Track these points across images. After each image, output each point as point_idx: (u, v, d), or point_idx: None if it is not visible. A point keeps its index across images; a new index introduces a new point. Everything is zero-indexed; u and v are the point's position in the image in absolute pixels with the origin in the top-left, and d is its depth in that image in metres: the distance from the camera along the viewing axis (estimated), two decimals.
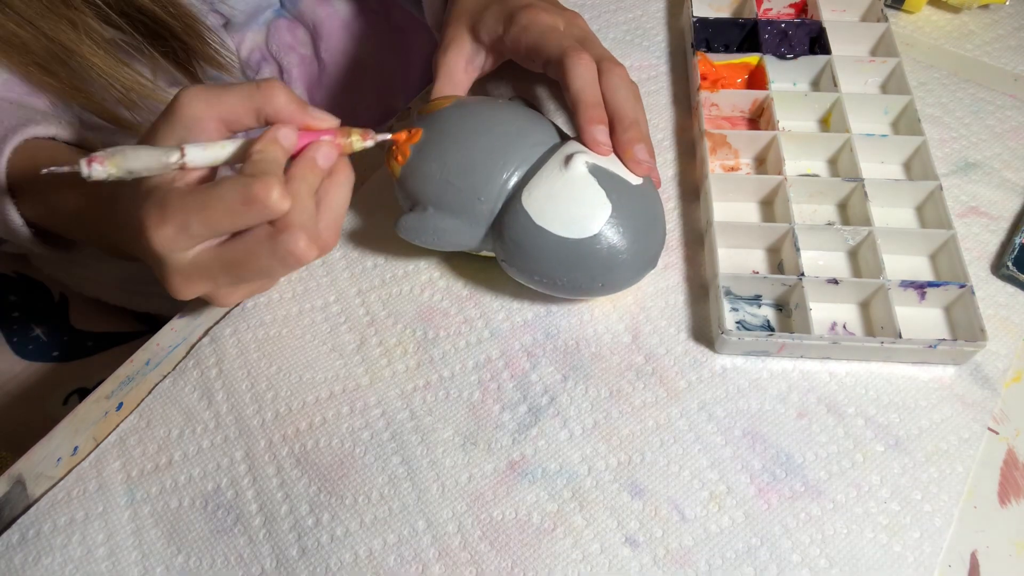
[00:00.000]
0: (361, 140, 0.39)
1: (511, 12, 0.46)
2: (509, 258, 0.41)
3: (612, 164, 0.41)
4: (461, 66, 0.48)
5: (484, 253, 0.44)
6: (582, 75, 0.42)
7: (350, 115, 0.67)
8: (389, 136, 0.41)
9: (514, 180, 0.41)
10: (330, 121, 0.38)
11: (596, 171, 0.40)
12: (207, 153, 0.35)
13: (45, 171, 0.33)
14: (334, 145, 0.37)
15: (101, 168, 0.32)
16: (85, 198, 0.43)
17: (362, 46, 0.68)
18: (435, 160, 0.41)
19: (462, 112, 0.43)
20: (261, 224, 0.35)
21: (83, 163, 0.32)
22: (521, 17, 0.45)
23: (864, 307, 0.44)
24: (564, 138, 0.43)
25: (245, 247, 0.35)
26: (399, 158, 0.42)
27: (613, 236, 0.39)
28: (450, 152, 0.41)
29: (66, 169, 0.32)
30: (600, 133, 0.41)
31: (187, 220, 0.34)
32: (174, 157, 0.34)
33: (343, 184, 0.38)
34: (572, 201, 0.39)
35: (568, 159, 0.40)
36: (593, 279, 0.40)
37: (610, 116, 0.42)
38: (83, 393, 0.61)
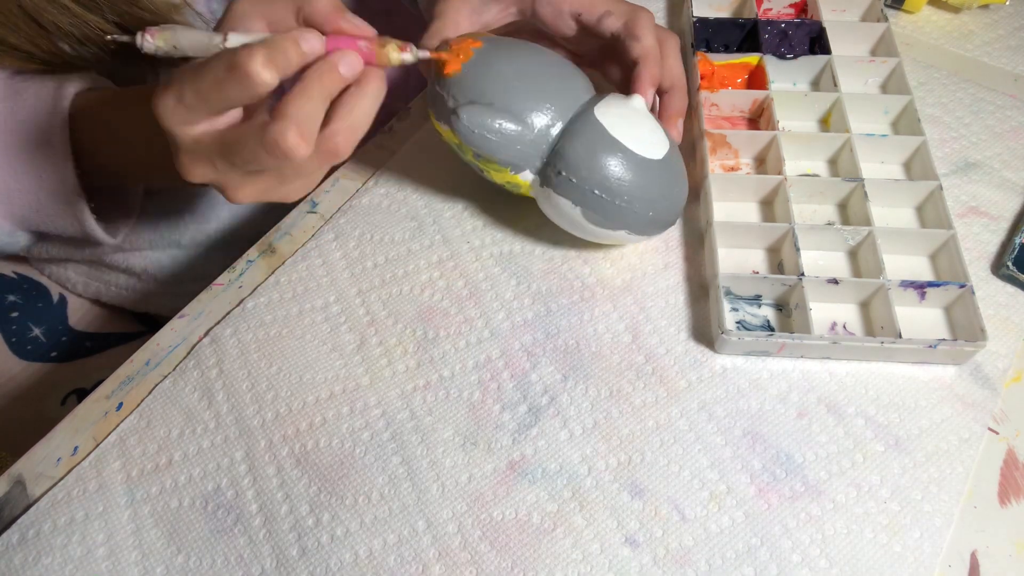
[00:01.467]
0: (398, 52, 0.38)
1: None
2: (573, 170, 0.41)
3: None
4: (466, 14, 0.46)
5: (521, 179, 0.43)
6: (652, 37, 0.45)
7: None
8: (428, 54, 0.40)
9: (576, 102, 0.42)
10: (365, 30, 0.38)
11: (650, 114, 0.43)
12: (247, 40, 0.36)
13: (109, 37, 0.36)
14: (361, 54, 0.37)
15: (151, 40, 0.35)
16: (140, 115, 0.43)
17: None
18: (507, 64, 0.41)
19: (518, 42, 0.43)
20: (261, 112, 0.36)
21: (139, 35, 0.35)
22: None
23: (864, 307, 0.44)
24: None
25: (239, 131, 0.36)
26: (460, 55, 0.41)
27: (673, 165, 0.43)
28: (521, 61, 0.42)
29: (126, 38, 0.35)
30: (652, 93, 0.45)
31: (182, 89, 0.34)
32: (216, 40, 0.36)
33: (368, 96, 0.37)
34: (642, 126, 0.42)
35: (627, 96, 0.43)
36: (649, 204, 0.42)
37: (666, 83, 0.46)
38: (81, 394, 0.61)
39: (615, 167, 0.41)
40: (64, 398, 0.61)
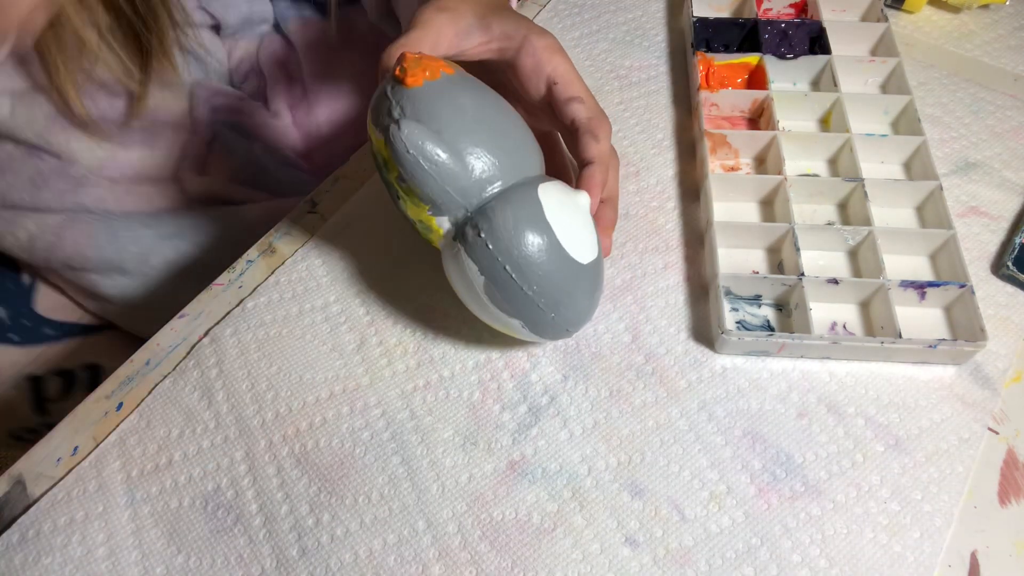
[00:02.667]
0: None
1: (532, 26, 0.44)
2: (493, 236, 0.37)
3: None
4: (450, 33, 0.42)
5: (436, 223, 0.39)
6: (608, 143, 0.42)
7: (330, 141, 0.67)
8: (395, 54, 0.39)
9: (527, 171, 0.39)
10: None
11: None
12: None
13: None
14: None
15: None
16: None
17: (347, 73, 0.68)
18: (470, 99, 0.38)
19: (488, 89, 0.41)
20: None
21: None
22: (547, 37, 0.43)
23: (864, 307, 0.44)
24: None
25: None
26: (427, 72, 0.38)
27: (594, 277, 0.39)
28: (488, 104, 0.39)
29: None
30: (598, 200, 0.42)
31: None
32: None
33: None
34: (579, 225, 0.38)
35: (574, 190, 0.40)
36: (555, 305, 0.38)
37: (605, 194, 0.43)
38: (33, 380, 0.61)
39: (537, 252, 0.37)
40: (17, 383, 0.61)
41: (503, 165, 0.38)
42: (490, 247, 0.37)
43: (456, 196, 0.38)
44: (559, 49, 0.43)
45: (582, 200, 0.39)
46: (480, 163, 0.37)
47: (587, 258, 0.38)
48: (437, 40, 0.42)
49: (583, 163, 0.41)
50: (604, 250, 0.41)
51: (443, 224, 0.39)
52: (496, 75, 0.44)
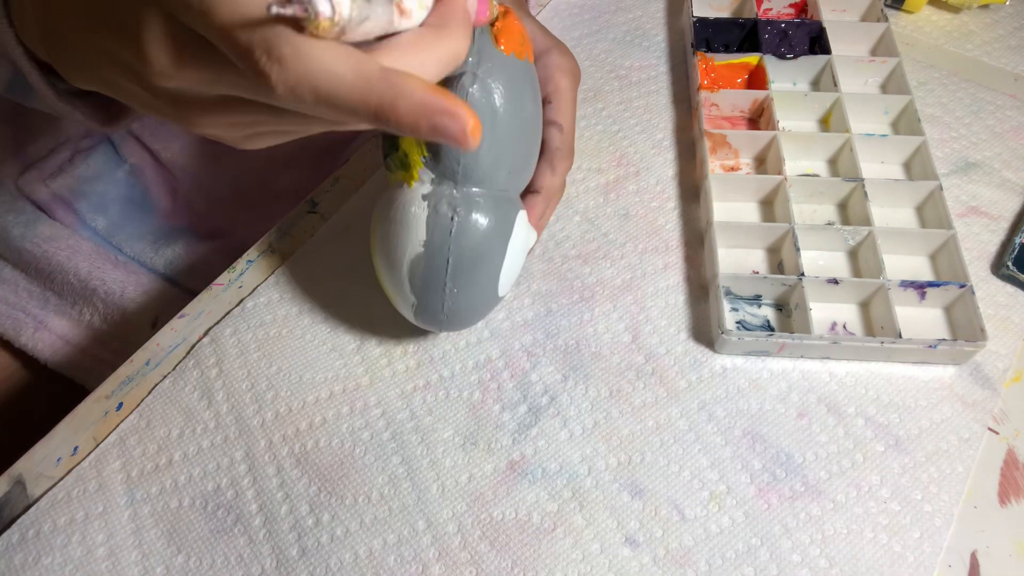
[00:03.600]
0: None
1: (558, 43, 0.44)
2: (460, 229, 0.36)
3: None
4: None
5: (417, 171, 0.37)
6: (563, 176, 0.43)
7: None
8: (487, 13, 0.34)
9: (526, 182, 0.40)
10: None
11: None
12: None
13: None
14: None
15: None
16: None
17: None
18: (531, 94, 0.37)
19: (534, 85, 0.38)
20: None
21: None
22: (567, 57, 0.43)
23: (864, 307, 0.44)
24: None
25: None
26: (517, 46, 0.35)
27: (496, 308, 0.43)
28: (537, 105, 0.38)
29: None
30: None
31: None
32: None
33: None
34: (520, 259, 0.40)
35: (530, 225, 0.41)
36: (456, 311, 0.39)
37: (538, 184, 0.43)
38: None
39: (483, 269, 0.38)
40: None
41: (516, 172, 0.38)
42: (451, 233, 0.36)
43: (465, 169, 0.36)
44: (570, 72, 0.43)
45: (532, 240, 0.41)
46: (507, 159, 0.37)
47: (504, 292, 0.40)
48: None
49: (531, 189, 0.42)
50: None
51: (424, 176, 0.37)
52: None
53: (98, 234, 0.62)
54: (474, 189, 0.37)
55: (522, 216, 0.39)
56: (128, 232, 0.62)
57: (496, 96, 0.35)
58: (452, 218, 0.36)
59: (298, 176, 0.64)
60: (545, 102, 0.42)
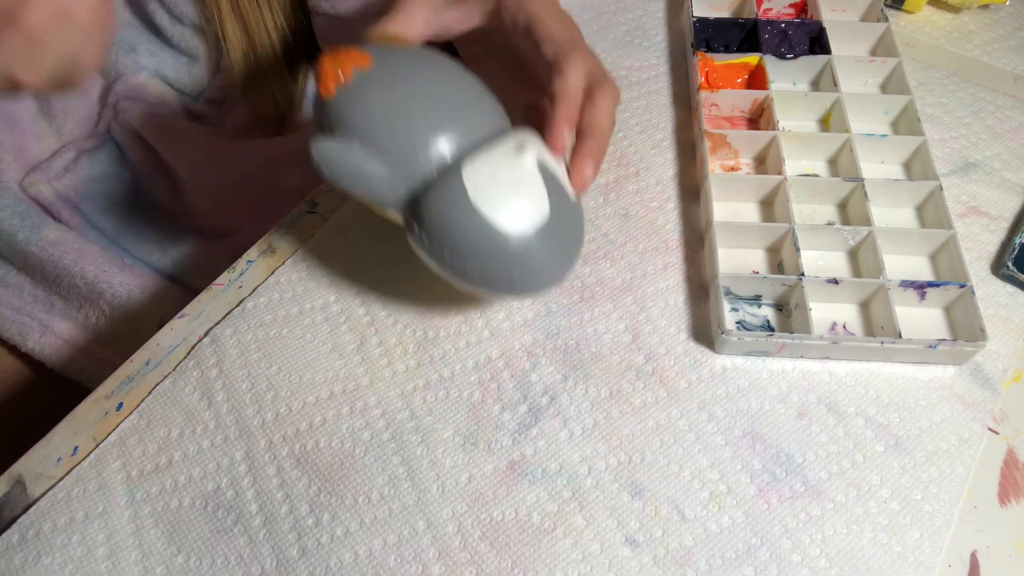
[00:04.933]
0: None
1: None
2: (425, 230, 0.37)
3: (559, 170, 0.39)
4: (423, 14, 0.42)
5: (391, 215, 0.39)
6: (577, 76, 0.39)
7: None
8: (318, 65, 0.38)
9: (456, 147, 0.38)
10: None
11: (544, 171, 0.38)
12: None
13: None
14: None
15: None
16: None
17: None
18: (381, 96, 0.37)
19: (421, 58, 0.39)
20: None
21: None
22: None
23: (864, 307, 0.44)
24: (507, 124, 0.41)
25: None
26: (339, 77, 0.37)
27: (542, 242, 0.37)
28: (400, 93, 0.37)
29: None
30: (568, 136, 0.39)
31: None
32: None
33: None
34: (514, 191, 0.36)
35: (521, 147, 0.37)
36: (507, 276, 0.38)
37: (584, 126, 0.39)
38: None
39: (465, 239, 0.36)
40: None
41: (433, 149, 0.37)
42: (426, 241, 0.38)
43: (387, 192, 0.38)
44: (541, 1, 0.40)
45: (528, 162, 0.37)
46: (404, 159, 0.37)
47: (528, 227, 0.37)
48: (410, 22, 0.41)
49: (540, 104, 0.39)
50: (578, 186, 0.39)
51: (396, 215, 0.39)
52: (504, 43, 0.43)
53: (104, 235, 0.62)
54: (417, 183, 0.38)
55: (475, 164, 0.37)
56: (134, 233, 0.63)
57: (340, 131, 0.38)
58: (414, 230, 0.38)
59: (303, 174, 0.64)
60: (527, 30, 0.40)
